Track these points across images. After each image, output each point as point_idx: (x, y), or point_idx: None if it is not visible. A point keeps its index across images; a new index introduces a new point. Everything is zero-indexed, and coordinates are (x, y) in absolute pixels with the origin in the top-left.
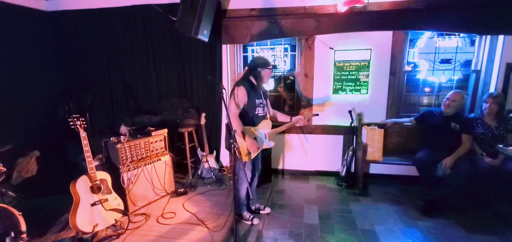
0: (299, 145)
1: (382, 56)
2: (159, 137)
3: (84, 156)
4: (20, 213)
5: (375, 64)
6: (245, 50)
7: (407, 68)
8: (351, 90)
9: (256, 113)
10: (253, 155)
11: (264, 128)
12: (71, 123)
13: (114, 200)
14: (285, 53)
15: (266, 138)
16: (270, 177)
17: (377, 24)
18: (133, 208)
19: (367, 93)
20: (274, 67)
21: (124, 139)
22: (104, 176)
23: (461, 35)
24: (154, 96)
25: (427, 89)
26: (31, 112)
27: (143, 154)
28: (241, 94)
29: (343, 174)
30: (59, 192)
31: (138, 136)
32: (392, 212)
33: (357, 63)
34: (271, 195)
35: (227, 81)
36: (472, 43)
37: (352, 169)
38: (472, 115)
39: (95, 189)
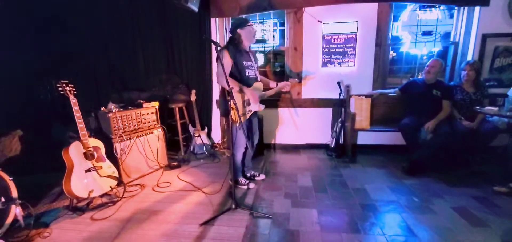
0: (289, 119)
1: (368, 29)
2: (151, 109)
3: (71, 134)
4: (10, 179)
5: (361, 37)
6: None
7: (392, 54)
8: (339, 63)
9: (247, 75)
10: (247, 115)
11: (256, 90)
12: (60, 89)
13: (109, 167)
14: (274, 27)
15: (258, 100)
16: (262, 151)
17: None
18: (127, 180)
19: (354, 65)
20: (263, 41)
21: (115, 109)
22: (97, 143)
23: (441, 7)
24: (141, 72)
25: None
26: (8, 90)
27: (135, 125)
28: (224, 57)
29: (333, 145)
30: (45, 171)
31: (129, 107)
32: (380, 174)
33: (345, 36)
34: (265, 165)
35: (215, 56)
36: (451, 15)
37: (341, 141)
38: (451, 83)
39: (89, 155)
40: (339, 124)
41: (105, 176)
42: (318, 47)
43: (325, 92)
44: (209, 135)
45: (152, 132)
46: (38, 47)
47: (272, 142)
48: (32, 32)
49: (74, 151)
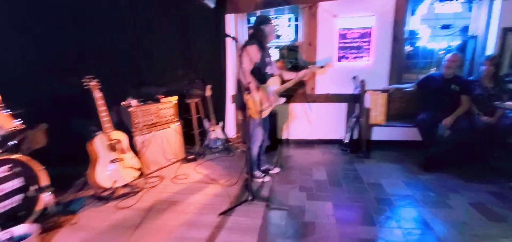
0: (303, 114)
1: (384, 23)
2: (169, 104)
3: (93, 128)
4: (42, 168)
5: (378, 31)
6: (249, 22)
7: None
8: (354, 58)
9: (265, 71)
10: (265, 113)
11: (273, 85)
12: (85, 85)
13: (131, 159)
14: (289, 23)
15: (276, 95)
16: (276, 145)
17: None
18: (147, 172)
19: (370, 60)
20: (277, 36)
21: (136, 103)
22: (120, 136)
23: (460, 0)
24: (158, 68)
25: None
26: (33, 87)
27: (153, 119)
28: (254, 50)
29: (347, 140)
30: (69, 163)
31: (149, 102)
32: (395, 170)
33: (361, 30)
34: (279, 159)
35: (231, 52)
36: (471, 9)
37: (355, 136)
38: (470, 78)
39: (112, 147)
40: (354, 119)
41: (128, 167)
42: (333, 42)
43: (339, 87)
44: (223, 129)
45: (169, 126)
46: (57, 45)
47: (286, 137)
48: (51, 30)
49: (99, 143)
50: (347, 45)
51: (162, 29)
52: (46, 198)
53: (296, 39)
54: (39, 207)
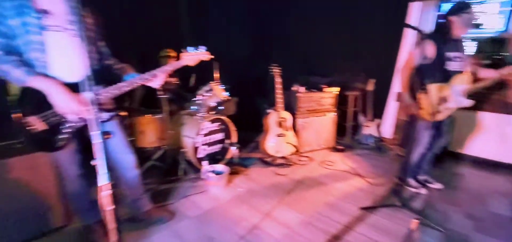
0: (494, 127)
1: None
2: (330, 94)
3: (266, 105)
4: (235, 129)
5: None
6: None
7: None
8: None
9: (449, 68)
10: (441, 116)
11: (459, 84)
12: (271, 70)
13: (292, 137)
14: (505, 8)
15: (462, 95)
16: (443, 157)
17: None
18: (300, 151)
19: None
20: (476, 26)
21: (304, 90)
22: (286, 115)
23: None
24: (324, 59)
25: None
26: (230, 69)
27: (314, 106)
28: (426, 45)
29: None
30: (248, 129)
31: (313, 90)
32: None
33: None
34: (445, 175)
35: (408, 45)
36: None
37: None
38: None
39: (280, 124)
40: None
41: (288, 143)
42: None
43: None
44: (379, 127)
45: (325, 115)
46: (256, 38)
47: (460, 151)
48: (254, 27)
49: (271, 119)
50: None
51: (333, 21)
52: (234, 151)
53: (506, 29)
54: (228, 156)
